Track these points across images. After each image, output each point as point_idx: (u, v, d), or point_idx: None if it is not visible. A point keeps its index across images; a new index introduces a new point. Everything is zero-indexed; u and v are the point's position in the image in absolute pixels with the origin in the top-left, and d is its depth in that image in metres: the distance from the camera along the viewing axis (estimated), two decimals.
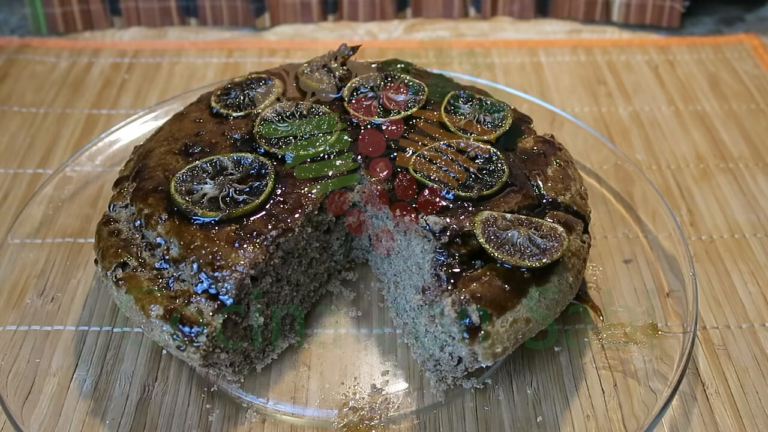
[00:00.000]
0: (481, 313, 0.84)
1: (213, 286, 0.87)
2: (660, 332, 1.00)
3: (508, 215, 0.93)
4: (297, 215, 0.94)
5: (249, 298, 0.91)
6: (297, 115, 1.07)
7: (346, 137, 1.04)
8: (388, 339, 1.02)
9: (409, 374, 0.98)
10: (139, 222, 0.95)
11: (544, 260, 0.88)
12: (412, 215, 0.93)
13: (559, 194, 0.99)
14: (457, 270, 0.88)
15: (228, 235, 0.90)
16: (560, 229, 0.92)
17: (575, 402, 0.94)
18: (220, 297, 0.87)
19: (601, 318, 1.03)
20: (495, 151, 1.01)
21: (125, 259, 0.92)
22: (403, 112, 1.08)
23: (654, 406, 0.89)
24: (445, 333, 0.90)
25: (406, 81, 1.13)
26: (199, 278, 0.88)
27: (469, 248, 0.89)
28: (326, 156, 1.01)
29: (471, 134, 1.05)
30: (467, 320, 0.84)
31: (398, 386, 0.96)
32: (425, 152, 1.00)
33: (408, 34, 1.72)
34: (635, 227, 1.16)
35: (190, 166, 0.98)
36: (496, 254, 0.88)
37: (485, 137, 1.05)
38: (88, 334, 1.02)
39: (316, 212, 0.97)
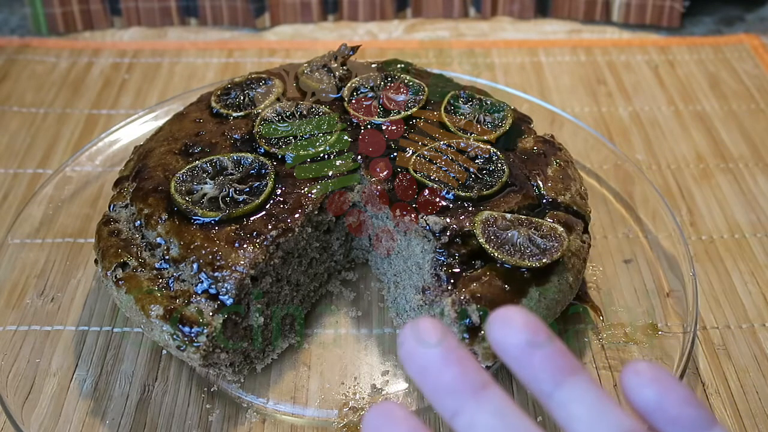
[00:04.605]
0: (481, 313, 0.84)
1: (213, 286, 0.87)
2: (660, 332, 1.00)
3: (508, 215, 0.92)
4: (297, 215, 0.94)
5: (249, 298, 0.91)
6: (297, 115, 1.07)
7: (346, 137, 1.04)
8: (388, 339, 1.02)
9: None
10: (139, 222, 0.95)
11: (544, 260, 0.88)
12: (412, 215, 0.93)
13: (559, 194, 0.99)
14: (457, 270, 0.88)
15: (228, 235, 0.90)
16: (560, 229, 0.92)
17: None
18: (220, 297, 0.87)
19: (601, 318, 1.03)
20: (495, 151, 1.01)
21: (125, 259, 0.92)
22: (403, 112, 1.08)
23: None
24: None
25: (406, 81, 1.13)
26: (199, 278, 0.88)
27: (469, 248, 0.89)
28: (326, 156, 1.01)
29: (471, 134, 1.05)
30: (467, 320, 0.84)
31: (398, 386, 0.96)
32: (425, 152, 1.00)
33: (408, 34, 1.72)
34: (635, 227, 1.16)
35: (190, 166, 0.98)
36: (496, 254, 0.88)
37: (485, 137, 1.04)
38: (88, 334, 1.02)
39: (316, 212, 0.97)
